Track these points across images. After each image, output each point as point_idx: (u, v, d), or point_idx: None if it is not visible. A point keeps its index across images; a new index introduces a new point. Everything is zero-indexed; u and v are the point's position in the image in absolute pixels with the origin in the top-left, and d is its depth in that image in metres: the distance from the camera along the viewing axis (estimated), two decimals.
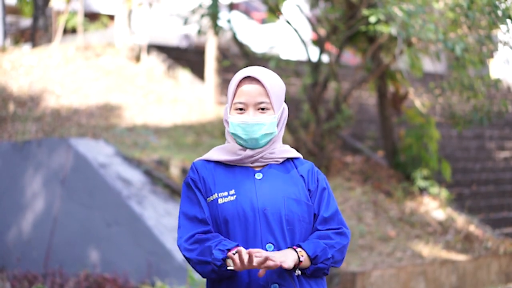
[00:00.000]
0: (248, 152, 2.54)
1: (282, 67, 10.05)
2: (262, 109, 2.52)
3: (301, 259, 2.43)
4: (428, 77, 13.31)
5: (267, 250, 2.45)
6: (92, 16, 18.87)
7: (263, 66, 2.70)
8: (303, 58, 12.07)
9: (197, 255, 2.46)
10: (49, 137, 8.76)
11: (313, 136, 9.70)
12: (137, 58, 12.28)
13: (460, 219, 9.40)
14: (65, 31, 14.96)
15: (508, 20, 7.00)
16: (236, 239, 2.47)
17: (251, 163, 2.56)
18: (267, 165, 2.57)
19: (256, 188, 2.51)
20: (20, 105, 10.36)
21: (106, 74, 11.62)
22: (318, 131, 9.65)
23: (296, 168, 2.60)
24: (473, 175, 11.36)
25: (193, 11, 9.39)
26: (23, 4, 16.50)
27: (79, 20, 14.10)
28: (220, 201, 2.50)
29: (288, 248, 2.47)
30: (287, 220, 2.49)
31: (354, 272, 7.28)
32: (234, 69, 11.17)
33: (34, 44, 13.19)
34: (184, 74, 11.93)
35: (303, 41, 9.70)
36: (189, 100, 11.37)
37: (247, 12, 17.74)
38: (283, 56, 12.09)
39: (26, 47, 14.32)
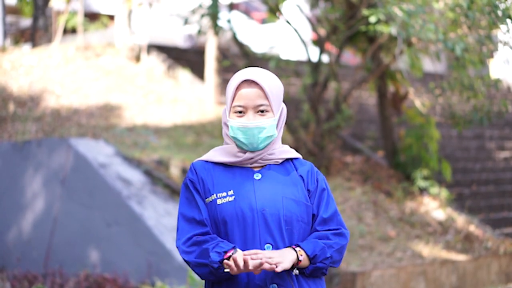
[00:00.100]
0: (248, 155, 2.54)
1: (282, 67, 10.04)
2: (262, 111, 2.52)
3: (300, 258, 2.44)
4: (428, 77, 13.30)
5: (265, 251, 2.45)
6: (92, 16, 18.84)
7: (263, 66, 2.70)
8: (303, 58, 12.05)
9: (195, 258, 2.46)
10: (49, 137, 8.76)
11: (313, 136, 9.69)
12: (137, 58, 12.27)
13: (460, 219, 9.40)
14: (65, 31, 14.94)
15: (508, 20, 6.99)
16: (235, 240, 2.48)
17: (250, 164, 2.57)
18: (266, 165, 2.58)
19: (255, 189, 2.51)
20: (20, 105, 10.35)
21: (106, 74, 11.62)
22: (318, 131, 9.64)
23: (296, 169, 2.60)
24: (473, 175, 11.35)
25: (193, 11, 9.38)
26: (23, 4, 16.48)
27: (79, 20, 14.08)
28: (219, 201, 2.50)
29: (287, 247, 2.47)
30: (286, 221, 2.49)
31: (354, 272, 7.28)
32: (234, 69, 11.15)
33: (34, 44, 13.18)
34: (184, 74, 11.93)
35: (303, 41, 9.69)
36: (189, 100, 11.37)
37: (247, 12, 17.72)
38: (283, 56, 12.07)
39: (26, 47, 14.30)
